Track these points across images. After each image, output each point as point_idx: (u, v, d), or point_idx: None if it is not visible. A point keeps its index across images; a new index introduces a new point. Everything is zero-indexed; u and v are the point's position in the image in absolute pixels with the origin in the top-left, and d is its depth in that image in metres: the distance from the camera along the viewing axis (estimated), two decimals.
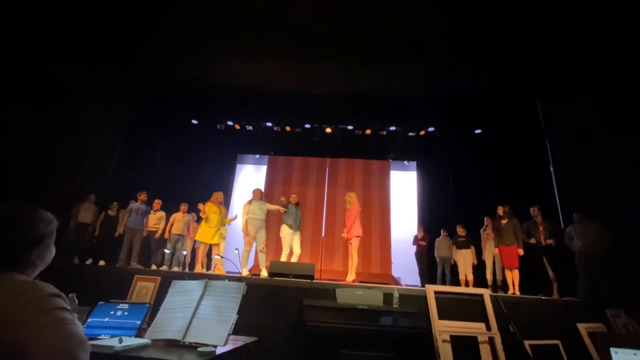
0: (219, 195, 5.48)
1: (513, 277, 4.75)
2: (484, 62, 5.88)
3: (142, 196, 5.88)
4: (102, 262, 5.31)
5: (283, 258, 5.11)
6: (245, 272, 4.89)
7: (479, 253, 5.95)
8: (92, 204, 5.79)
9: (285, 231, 5.25)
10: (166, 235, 5.87)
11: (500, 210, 5.15)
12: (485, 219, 5.89)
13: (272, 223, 7.33)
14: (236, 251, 5.53)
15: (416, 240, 7.12)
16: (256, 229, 5.07)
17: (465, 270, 5.78)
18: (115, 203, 5.99)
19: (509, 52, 5.52)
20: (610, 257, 4.27)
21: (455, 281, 6.08)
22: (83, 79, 5.85)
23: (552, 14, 4.71)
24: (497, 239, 5.07)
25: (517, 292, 4.65)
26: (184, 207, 6.25)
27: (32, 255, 0.93)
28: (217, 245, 5.32)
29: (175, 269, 5.66)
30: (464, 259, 5.86)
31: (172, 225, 5.96)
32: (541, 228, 4.91)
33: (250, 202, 5.28)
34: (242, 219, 5.14)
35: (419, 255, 7.01)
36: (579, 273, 4.49)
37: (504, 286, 4.98)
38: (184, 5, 5.06)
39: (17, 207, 0.96)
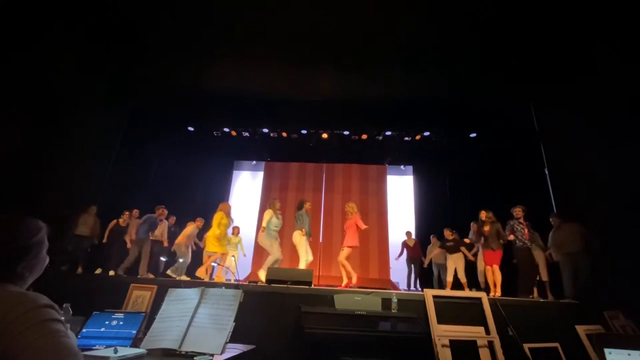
0: (228, 206, 5.44)
1: (494, 277, 4.78)
2: (477, 66, 5.95)
3: (160, 210, 5.75)
4: (111, 272, 5.23)
5: (302, 265, 4.97)
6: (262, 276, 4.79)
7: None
8: (93, 215, 5.72)
9: (302, 238, 5.12)
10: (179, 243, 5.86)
11: (482, 215, 5.16)
12: (471, 224, 5.89)
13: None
14: (232, 258, 5.49)
15: (405, 247, 7.20)
16: (274, 240, 5.02)
17: (458, 274, 5.75)
18: (127, 212, 5.94)
19: (502, 55, 5.59)
20: (595, 257, 4.32)
21: (454, 285, 6.07)
22: (78, 87, 5.84)
23: (544, 17, 4.79)
24: (483, 244, 5.13)
25: (499, 293, 4.64)
26: (199, 222, 6.27)
27: (17, 267, 0.90)
28: (226, 254, 5.33)
29: (171, 273, 5.62)
30: (455, 263, 5.83)
31: (186, 236, 5.93)
32: (526, 230, 4.92)
33: (277, 214, 5.16)
34: (263, 226, 5.01)
35: (410, 262, 7.06)
36: (563, 275, 4.55)
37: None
38: (179, 12, 5.08)
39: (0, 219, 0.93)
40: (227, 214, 5.31)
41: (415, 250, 7.08)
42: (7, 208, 0.99)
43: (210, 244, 5.15)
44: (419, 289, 6.67)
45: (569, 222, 4.75)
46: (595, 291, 4.09)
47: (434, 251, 6.54)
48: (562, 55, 5.38)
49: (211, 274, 5.54)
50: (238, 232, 6.48)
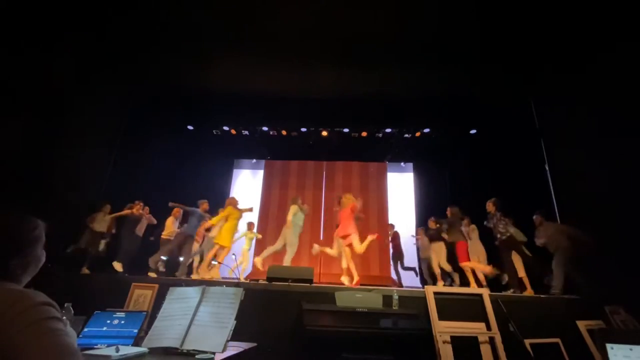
0: (235, 200, 5.54)
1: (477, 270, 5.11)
2: (477, 62, 5.93)
3: (205, 205, 5.81)
4: (118, 267, 5.29)
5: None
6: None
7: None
8: (108, 214, 5.80)
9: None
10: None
11: (448, 212, 5.50)
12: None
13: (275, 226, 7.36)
14: (233, 256, 5.50)
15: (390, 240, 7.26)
16: (297, 235, 5.30)
17: (440, 263, 5.76)
18: (140, 203, 5.96)
19: (502, 51, 5.56)
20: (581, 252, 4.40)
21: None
22: (78, 86, 5.83)
23: (545, 12, 4.77)
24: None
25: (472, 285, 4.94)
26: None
27: (8, 263, 0.89)
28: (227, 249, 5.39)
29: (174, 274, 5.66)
30: (436, 252, 5.83)
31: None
32: (493, 224, 5.04)
33: (302, 209, 5.44)
34: (292, 223, 5.22)
35: (395, 258, 7.12)
36: (554, 271, 4.62)
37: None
38: (178, 11, 5.07)
39: None
40: (236, 207, 5.39)
41: (394, 242, 7.13)
42: (6, 207, 0.98)
43: (223, 236, 5.15)
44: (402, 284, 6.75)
45: (549, 221, 4.93)
46: (596, 286, 4.09)
47: (423, 244, 6.61)
48: (562, 51, 5.36)
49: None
50: (253, 228, 6.64)
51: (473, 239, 5.77)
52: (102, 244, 5.67)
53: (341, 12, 4.96)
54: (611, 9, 4.45)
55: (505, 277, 5.13)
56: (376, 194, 8.68)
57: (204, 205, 5.82)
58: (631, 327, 3.34)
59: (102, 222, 5.68)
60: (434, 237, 5.99)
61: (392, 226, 7.50)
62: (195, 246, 6.26)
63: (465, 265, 5.10)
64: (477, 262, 5.32)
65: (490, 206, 5.13)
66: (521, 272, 5.19)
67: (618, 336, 1.45)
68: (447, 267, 5.71)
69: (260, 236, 6.82)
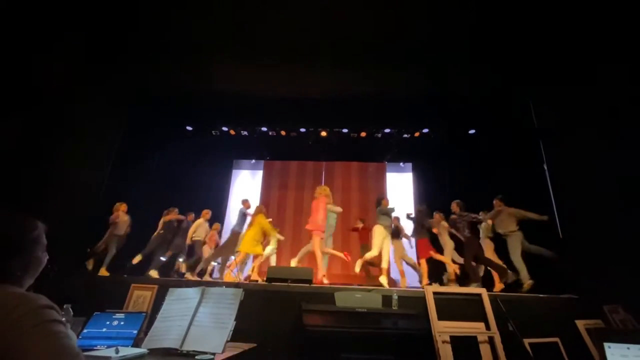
0: (263, 208, 5.86)
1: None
2: (476, 63, 5.93)
3: (247, 204, 6.22)
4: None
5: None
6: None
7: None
8: (125, 214, 5.84)
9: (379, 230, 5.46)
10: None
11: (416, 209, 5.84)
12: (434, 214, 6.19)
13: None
14: (232, 257, 5.51)
15: (356, 232, 7.19)
16: None
17: (397, 260, 6.00)
18: (175, 209, 6.10)
19: (502, 51, 5.57)
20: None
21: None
22: (77, 87, 5.81)
23: (544, 12, 4.77)
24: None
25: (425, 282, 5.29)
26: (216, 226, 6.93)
27: (7, 265, 0.88)
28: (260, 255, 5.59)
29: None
30: (395, 250, 5.98)
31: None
32: (457, 224, 5.31)
33: (334, 209, 5.73)
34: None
35: (362, 250, 6.98)
36: (514, 263, 4.81)
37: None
38: (177, 13, 5.07)
39: None
40: (264, 216, 5.69)
41: (364, 235, 6.88)
42: (6, 208, 0.98)
43: (246, 244, 5.32)
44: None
45: (509, 207, 5.24)
46: (595, 285, 4.10)
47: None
48: (561, 51, 5.36)
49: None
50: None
51: (442, 233, 5.88)
52: (114, 247, 5.68)
53: (341, 12, 4.96)
54: (610, 10, 4.46)
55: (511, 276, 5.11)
56: (375, 194, 8.66)
57: (247, 204, 6.19)
58: (630, 326, 3.35)
59: (122, 224, 5.75)
60: (394, 234, 6.07)
61: (362, 220, 7.28)
62: (207, 250, 6.28)
63: (434, 257, 5.47)
64: (441, 255, 5.57)
65: (454, 206, 5.41)
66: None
67: (615, 335, 1.46)
68: (384, 264, 5.82)
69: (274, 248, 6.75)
